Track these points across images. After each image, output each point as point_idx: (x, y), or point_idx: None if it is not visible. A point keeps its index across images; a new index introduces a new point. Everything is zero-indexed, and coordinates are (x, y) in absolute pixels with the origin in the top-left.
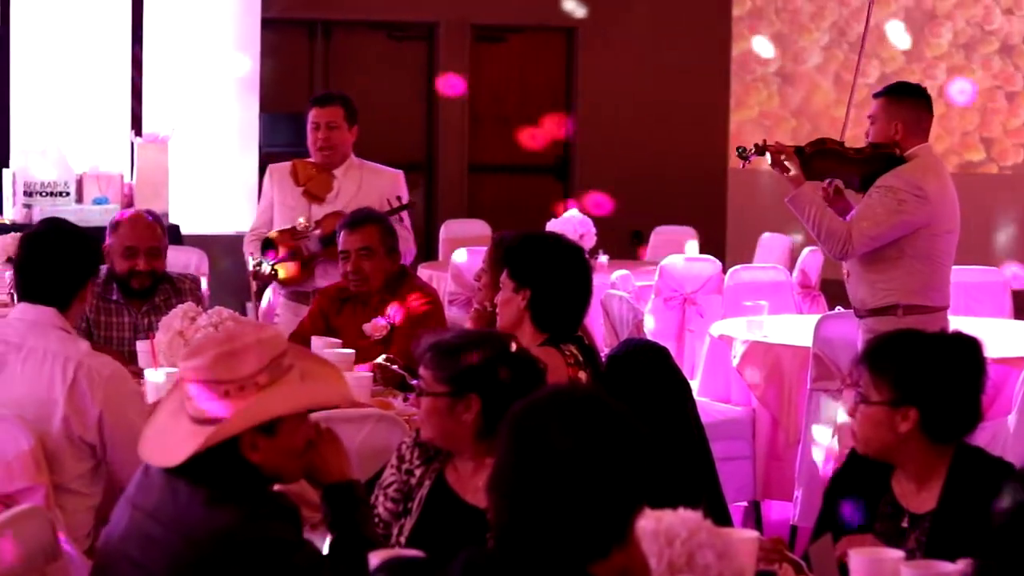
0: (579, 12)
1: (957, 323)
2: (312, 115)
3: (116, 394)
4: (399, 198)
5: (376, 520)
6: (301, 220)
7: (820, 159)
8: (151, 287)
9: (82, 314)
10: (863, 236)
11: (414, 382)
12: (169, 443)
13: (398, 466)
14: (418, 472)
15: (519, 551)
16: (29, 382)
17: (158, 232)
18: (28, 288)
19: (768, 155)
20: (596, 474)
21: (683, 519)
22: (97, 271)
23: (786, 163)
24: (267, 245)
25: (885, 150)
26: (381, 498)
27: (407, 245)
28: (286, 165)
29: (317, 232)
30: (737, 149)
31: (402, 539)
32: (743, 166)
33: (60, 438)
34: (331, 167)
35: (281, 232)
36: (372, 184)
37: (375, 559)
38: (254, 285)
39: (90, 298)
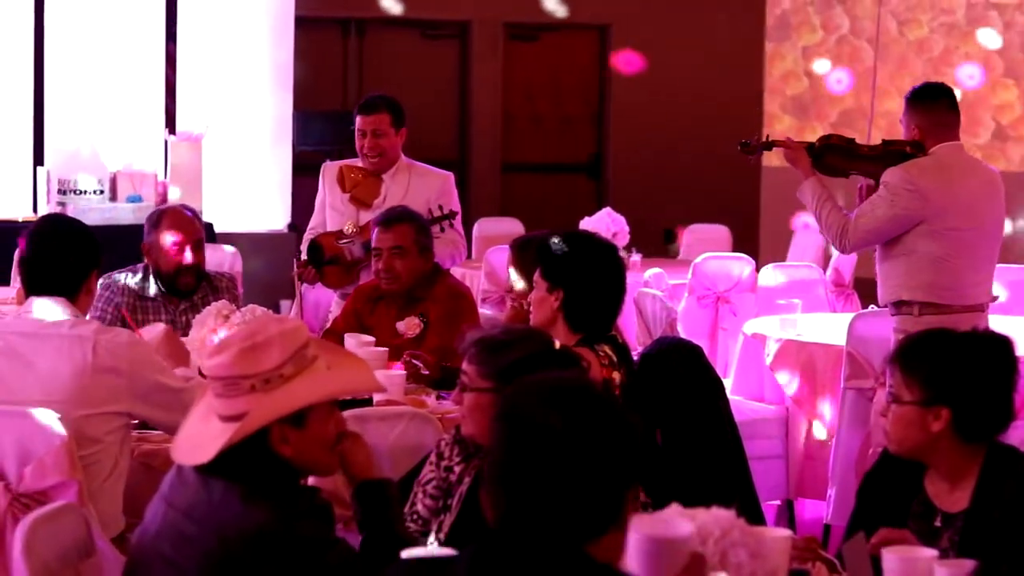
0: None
1: (1001, 323)
2: (358, 122)
3: (139, 355)
4: (440, 207)
5: (415, 517)
6: (349, 225)
7: (829, 154)
8: (195, 286)
9: (91, 302)
10: (858, 230)
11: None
12: (200, 442)
13: (437, 463)
14: (458, 469)
15: (517, 537)
16: (50, 369)
17: (197, 226)
18: (35, 282)
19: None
20: (585, 451)
21: (716, 518)
22: (99, 264)
23: (794, 157)
24: (313, 248)
25: (896, 147)
26: (420, 495)
27: (457, 248)
28: (336, 166)
29: (361, 237)
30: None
31: (441, 535)
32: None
33: (89, 415)
34: (379, 171)
35: (327, 235)
36: (420, 187)
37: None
38: (298, 284)
39: (96, 291)
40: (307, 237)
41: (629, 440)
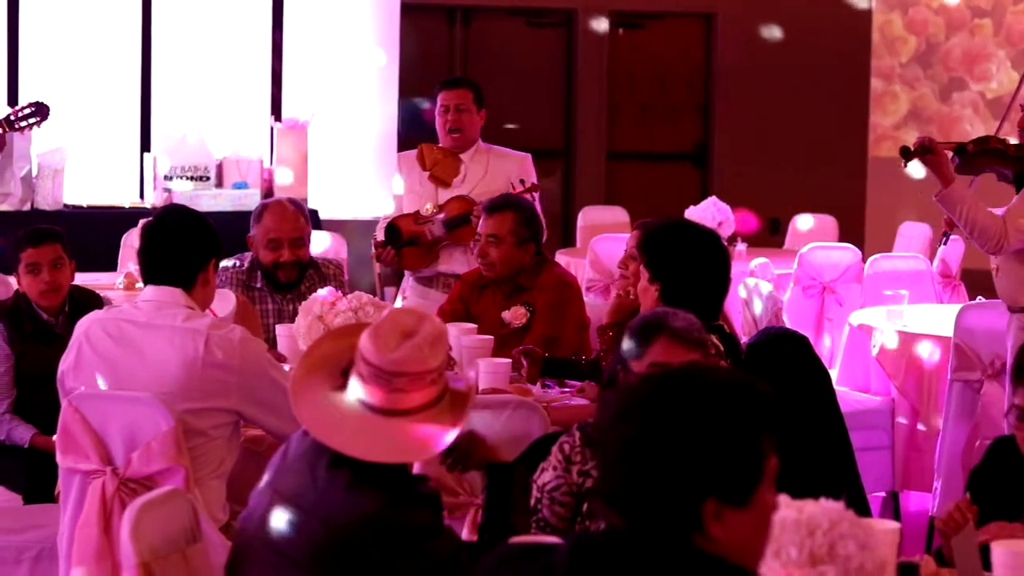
0: None
1: None
2: (441, 98)
3: (252, 354)
4: (522, 181)
5: (543, 524)
6: (428, 206)
7: (981, 157)
8: (297, 279)
9: (208, 299)
10: (1020, 232)
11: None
12: (402, 440)
13: (566, 467)
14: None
15: (623, 527)
16: (161, 359)
17: (301, 222)
18: (151, 270)
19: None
20: (721, 444)
21: (825, 509)
22: (219, 254)
23: (937, 162)
24: (391, 230)
25: None
26: (546, 502)
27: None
28: (413, 152)
29: (441, 216)
30: (901, 149)
31: None
32: (904, 165)
33: (195, 408)
34: (459, 150)
35: (405, 216)
36: (499, 168)
37: None
38: (377, 268)
39: (214, 283)
40: (380, 225)
41: (765, 430)
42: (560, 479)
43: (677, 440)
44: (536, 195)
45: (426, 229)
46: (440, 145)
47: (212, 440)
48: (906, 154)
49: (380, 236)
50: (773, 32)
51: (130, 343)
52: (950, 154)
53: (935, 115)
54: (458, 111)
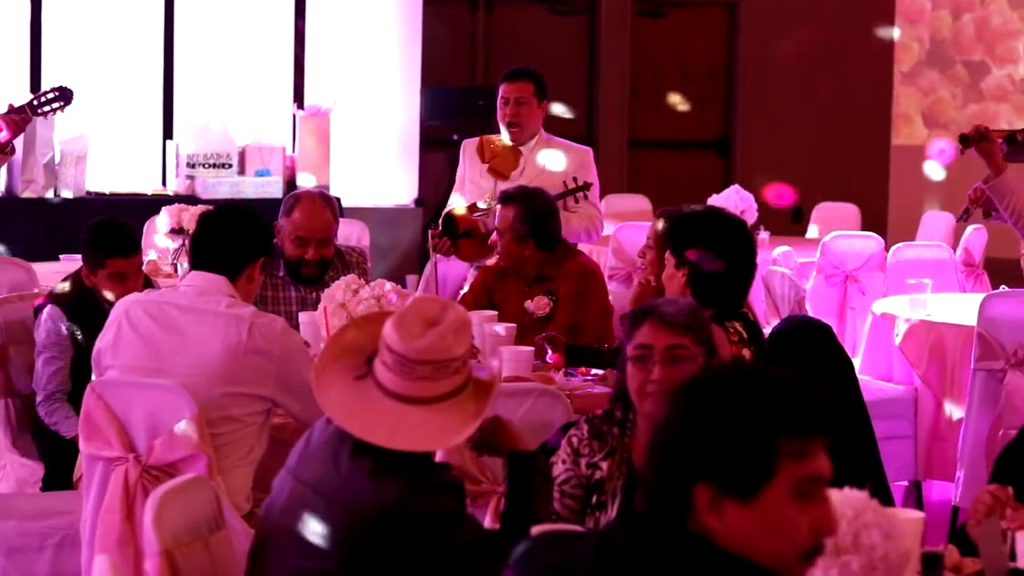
0: None
1: None
2: (502, 90)
3: (292, 344)
4: (575, 179)
5: (554, 517)
6: (487, 198)
7: None
8: (319, 275)
9: (251, 294)
10: None
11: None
12: (426, 428)
13: (574, 460)
14: (605, 465)
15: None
16: (202, 343)
17: (329, 219)
18: (201, 255)
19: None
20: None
21: (849, 499)
22: (269, 253)
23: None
24: (448, 221)
25: None
26: (556, 495)
27: (592, 223)
28: (477, 139)
29: (497, 208)
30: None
31: None
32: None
33: (235, 395)
34: (519, 143)
35: (462, 208)
36: (558, 161)
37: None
38: (432, 256)
39: (259, 280)
40: (448, 206)
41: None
42: (569, 472)
43: (681, 420)
44: (587, 193)
45: (481, 221)
46: (500, 137)
47: (245, 427)
48: (964, 141)
49: (436, 225)
50: (795, 20)
51: (172, 324)
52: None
53: (961, 102)
54: (518, 104)
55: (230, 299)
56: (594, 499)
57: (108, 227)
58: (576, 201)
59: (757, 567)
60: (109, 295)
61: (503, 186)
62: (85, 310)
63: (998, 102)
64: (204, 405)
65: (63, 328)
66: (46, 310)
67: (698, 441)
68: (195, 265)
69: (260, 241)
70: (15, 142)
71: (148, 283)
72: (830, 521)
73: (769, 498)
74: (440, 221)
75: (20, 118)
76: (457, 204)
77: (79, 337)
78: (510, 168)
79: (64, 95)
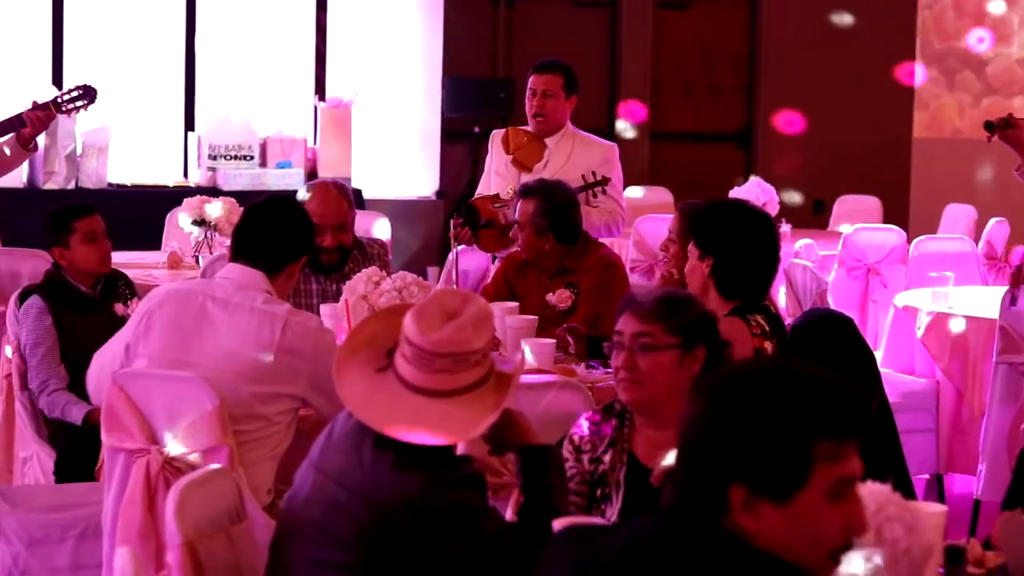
0: None
1: None
2: (531, 81)
3: (325, 345)
4: (593, 173)
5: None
6: (509, 189)
7: None
8: (339, 261)
9: (285, 292)
10: None
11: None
12: (445, 421)
13: (576, 458)
14: (607, 458)
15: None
16: (235, 337)
17: (344, 207)
18: (241, 249)
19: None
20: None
21: (871, 492)
22: (310, 254)
23: (1017, 137)
24: (470, 211)
25: None
26: None
27: (614, 217)
28: (504, 130)
29: (516, 202)
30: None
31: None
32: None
33: (264, 392)
34: (544, 135)
35: (483, 199)
36: (582, 155)
37: (558, 527)
38: (454, 246)
39: (296, 280)
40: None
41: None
42: (572, 469)
43: (717, 420)
44: (607, 188)
45: (502, 213)
46: (526, 128)
47: (273, 425)
48: (989, 128)
49: (458, 215)
50: (818, 12)
51: (206, 317)
52: None
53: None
54: (544, 96)
55: (266, 295)
56: (598, 492)
57: (63, 204)
58: (594, 195)
59: (789, 566)
60: (91, 258)
61: (526, 178)
62: (56, 288)
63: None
64: (232, 402)
65: (43, 312)
66: (27, 301)
67: (733, 442)
68: (236, 257)
69: (305, 239)
70: (38, 139)
71: (124, 277)
72: (862, 520)
73: (804, 500)
74: (462, 211)
75: (44, 115)
76: (482, 194)
77: (56, 322)
78: (534, 160)
79: (88, 93)
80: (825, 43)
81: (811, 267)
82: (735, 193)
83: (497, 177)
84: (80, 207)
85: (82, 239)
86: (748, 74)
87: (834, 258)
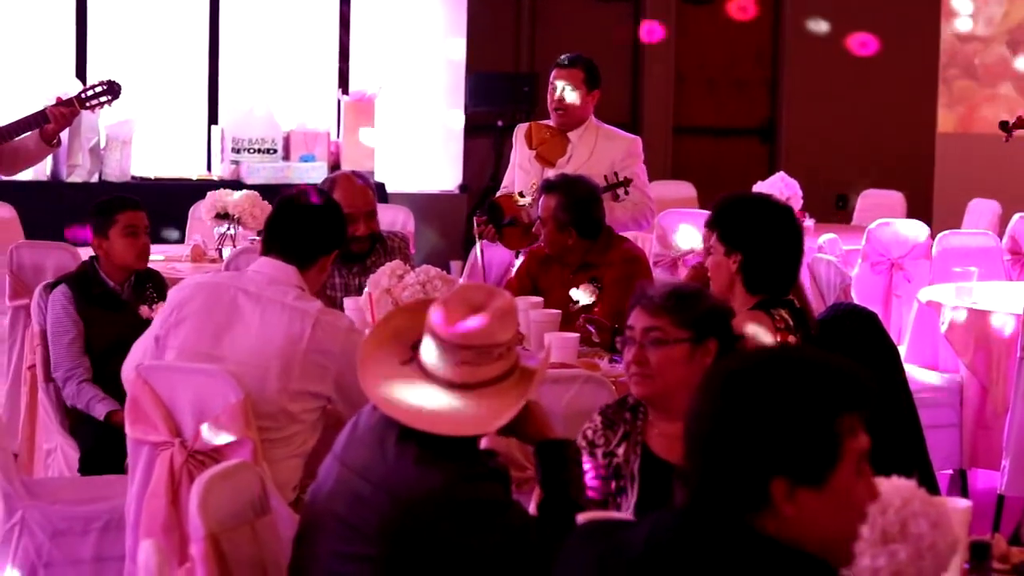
0: None
1: None
2: (552, 75)
3: (354, 346)
4: (616, 175)
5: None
6: (530, 187)
7: None
8: (368, 250)
9: (316, 286)
10: None
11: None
12: (467, 413)
13: (590, 452)
14: (620, 451)
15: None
16: (265, 332)
17: (370, 195)
18: (277, 240)
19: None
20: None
21: (897, 487)
22: (341, 248)
23: None
24: (493, 208)
25: None
26: None
27: (641, 211)
28: (527, 124)
29: (540, 197)
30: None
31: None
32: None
33: (292, 389)
34: (566, 129)
35: (507, 196)
36: (606, 149)
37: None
38: (478, 243)
39: (327, 274)
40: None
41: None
42: (587, 463)
43: (746, 416)
44: (628, 188)
45: (524, 211)
46: (549, 123)
47: (299, 423)
48: (1005, 128)
49: (481, 211)
50: (842, 6)
51: (236, 310)
52: None
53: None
54: (565, 90)
55: (298, 291)
56: (613, 485)
57: (113, 196)
58: (616, 196)
59: (821, 563)
60: (128, 253)
61: (549, 173)
62: (85, 282)
63: None
64: (259, 398)
65: (68, 303)
66: (55, 291)
67: (769, 437)
68: (268, 250)
69: (338, 233)
70: (61, 134)
71: (160, 277)
72: (876, 491)
73: (838, 480)
74: (485, 207)
75: (68, 111)
76: (510, 190)
77: (79, 316)
78: (557, 155)
79: (112, 89)
80: (850, 37)
81: (835, 262)
82: (759, 188)
83: (521, 172)
84: (126, 200)
85: (121, 232)
86: (772, 68)
87: (858, 253)
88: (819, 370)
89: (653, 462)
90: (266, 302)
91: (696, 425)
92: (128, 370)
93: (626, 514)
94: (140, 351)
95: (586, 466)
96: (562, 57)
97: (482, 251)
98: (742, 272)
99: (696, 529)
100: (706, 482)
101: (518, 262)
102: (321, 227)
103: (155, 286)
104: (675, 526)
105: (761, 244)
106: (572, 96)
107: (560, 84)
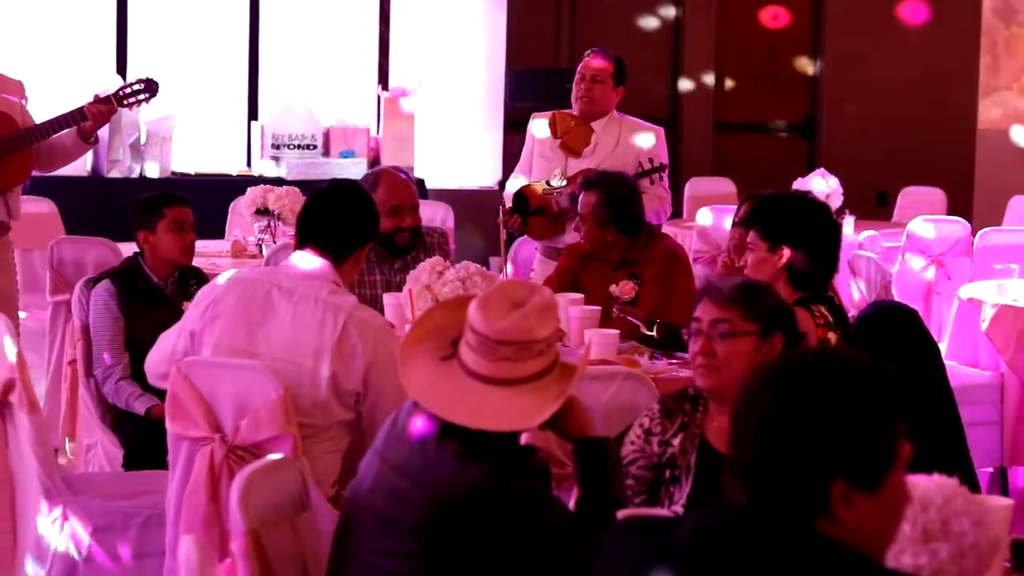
0: None
1: None
2: (581, 65)
3: (384, 346)
4: (651, 160)
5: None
6: (556, 173)
7: None
8: (412, 244)
9: (350, 279)
10: None
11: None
12: (506, 409)
13: (645, 440)
14: (676, 441)
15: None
16: (299, 328)
17: (414, 189)
18: (307, 236)
19: None
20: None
21: (938, 485)
22: (374, 238)
23: None
24: (519, 198)
25: None
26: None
27: (662, 204)
28: (547, 114)
29: (568, 188)
30: None
31: (678, 508)
32: None
33: (325, 385)
34: (589, 119)
35: (533, 185)
36: (631, 139)
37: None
38: (503, 235)
39: (361, 267)
40: (508, 187)
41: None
42: (637, 452)
43: (811, 419)
44: (664, 175)
45: (553, 200)
46: (572, 112)
47: (336, 418)
48: None
49: (505, 201)
50: (882, 3)
51: (270, 305)
52: None
53: None
54: (593, 80)
55: (333, 286)
56: (667, 474)
57: (161, 192)
58: (651, 183)
59: (873, 564)
60: (174, 247)
61: (574, 163)
62: (129, 278)
63: None
64: (295, 393)
65: (111, 299)
66: (97, 286)
67: (833, 439)
68: (302, 243)
69: (372, 225)
70: (99, 131)
71: (204, 275)
72: (909, 494)
73: (890, 484)
74: (511, 198)
75: (106, 109)
76: (516, 184)
77: (122, 311)
78: (582, 144)
79: (150, 87)
80: (891, 33)
81: (875, 259)
82: (799, 184)
83: (543, 160)
84: (173, 195)
85: (169, 226)
86: (812, 64)
87: (898, 250)
88: (876, 374)
89: (710, 455)
90: (300, 297)
91: (750, 422)
92: (153, 362)
93: (678, 506)
94: (170, 343)
95: (636, 455)
96: (594, 48)
97: (509, 240)
98: (789, 268)
99: (756, 529)
100: (765, 482)
101: (537, 258)
102: (355, 217)
103: (199, 283)
104: (728, 524)
105: (807, 240)
106: (600, 88)
107: (588, 74)
